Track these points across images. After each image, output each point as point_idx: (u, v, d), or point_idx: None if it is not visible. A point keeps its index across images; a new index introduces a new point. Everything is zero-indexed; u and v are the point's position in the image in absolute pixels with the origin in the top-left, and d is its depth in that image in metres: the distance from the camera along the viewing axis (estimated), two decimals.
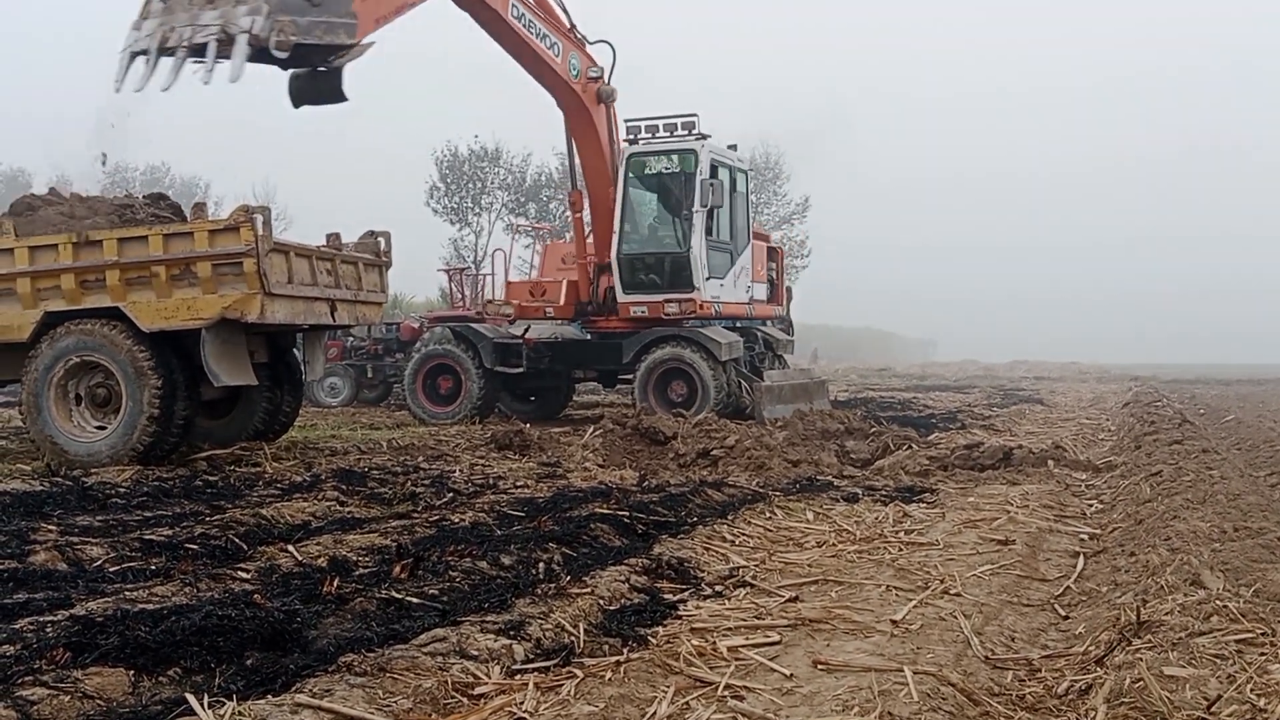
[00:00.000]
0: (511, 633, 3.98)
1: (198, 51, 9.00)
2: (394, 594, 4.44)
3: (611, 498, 7.28)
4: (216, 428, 10.61)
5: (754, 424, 11.95)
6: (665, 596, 4.81)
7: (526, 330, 15.99)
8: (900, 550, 6.00)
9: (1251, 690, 3.01)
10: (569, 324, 15.79)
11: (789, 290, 16.42)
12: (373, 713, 3.15)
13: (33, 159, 58.38)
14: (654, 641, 4.08)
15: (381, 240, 11.06)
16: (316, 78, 10.13)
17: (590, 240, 15.35)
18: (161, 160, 57.98)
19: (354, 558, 5.31)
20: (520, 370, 15.65)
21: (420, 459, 10.03)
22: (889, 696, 3.43)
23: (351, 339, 20.54)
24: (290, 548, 5.47)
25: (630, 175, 14.78)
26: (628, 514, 6.46)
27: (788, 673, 3.75)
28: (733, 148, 15.73)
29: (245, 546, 5.63)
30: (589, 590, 4.65)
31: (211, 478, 8.52)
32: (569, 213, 16.18)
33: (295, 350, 11.17)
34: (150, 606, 4.13)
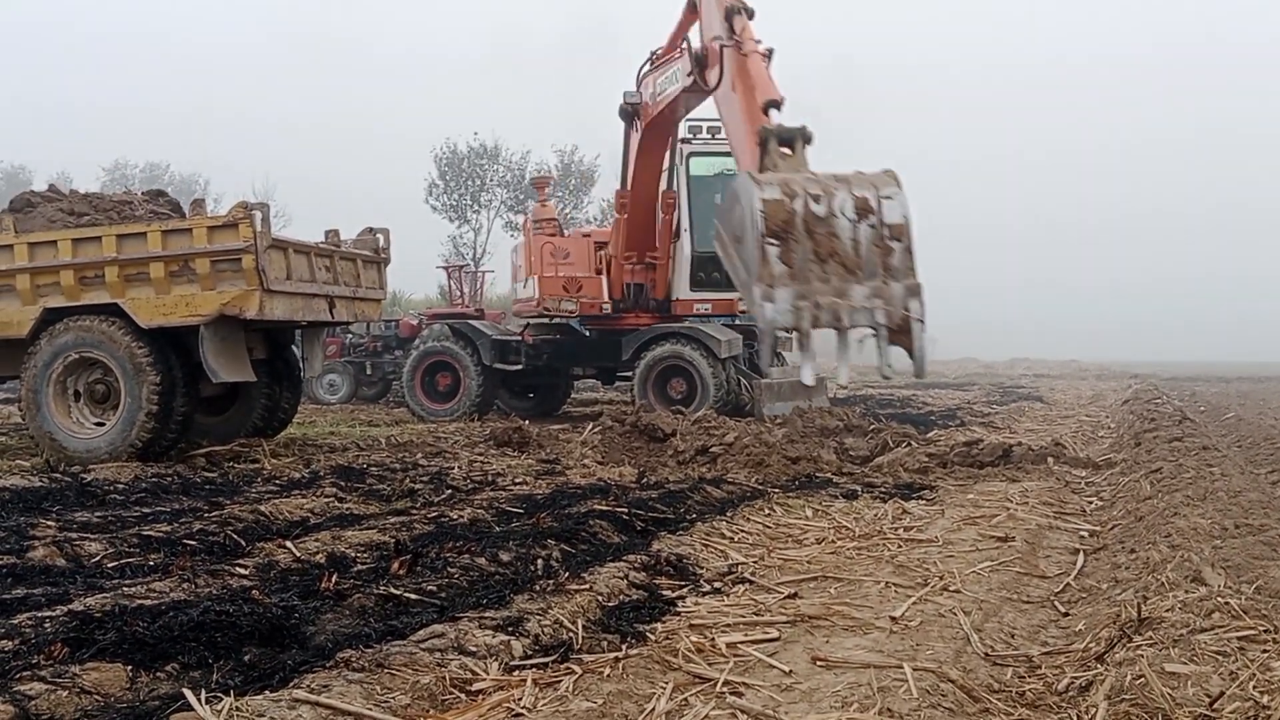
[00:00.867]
0: (510, 629, 3.96)
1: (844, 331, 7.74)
2: (392, 590, 4.43)
3: (610, 494, 7.28)
4: (215, 424, 10.61)
5: (753, 421, 11.93)
6: (664, 593, 4.80)
7: (526, 327, 16.01)
8: (899, 547, 6.00)
9: (1254, 687, 3.00)
10: (571, 321, 15.77)
11: None
12: (370, 708, 3.14)
13: (34, 156, 58.39)
14: (653, 638, 4.07)
15: (380, 237, 11.06)
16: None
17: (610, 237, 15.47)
18: (161, 157, 58.11)
19: (352, 554, 5.30)
20: (519, 367, 15.65)
21: (419, 456, 10.02)
22: (888, 693, 3.42)
23: (350, 336, 20.55)
24: (289, 544, 5.46)
25: (691, 175, 14.87)
26: (626, 511, 6.45)
27: (787, 669, 3.75)
28: None
29: (244, 543, 5.62)
30: (587, 587, 4.64)
31: (210, 474, 8.51)
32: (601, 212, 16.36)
33: (294, 347, 11.18)
34: (148, 602, 4.12)
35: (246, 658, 3.60)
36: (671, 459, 10.24)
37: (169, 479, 7.95)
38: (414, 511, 6.76)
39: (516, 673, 3.61)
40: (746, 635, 4.16)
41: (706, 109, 13.35)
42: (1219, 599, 3.93)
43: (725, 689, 3.51)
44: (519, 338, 15.78)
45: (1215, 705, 2.92)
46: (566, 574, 4.84)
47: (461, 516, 6.38)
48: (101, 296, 9.12)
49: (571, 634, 4.04)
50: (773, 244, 7.48)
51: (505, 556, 5.15)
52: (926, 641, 4.12)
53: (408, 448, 10.92)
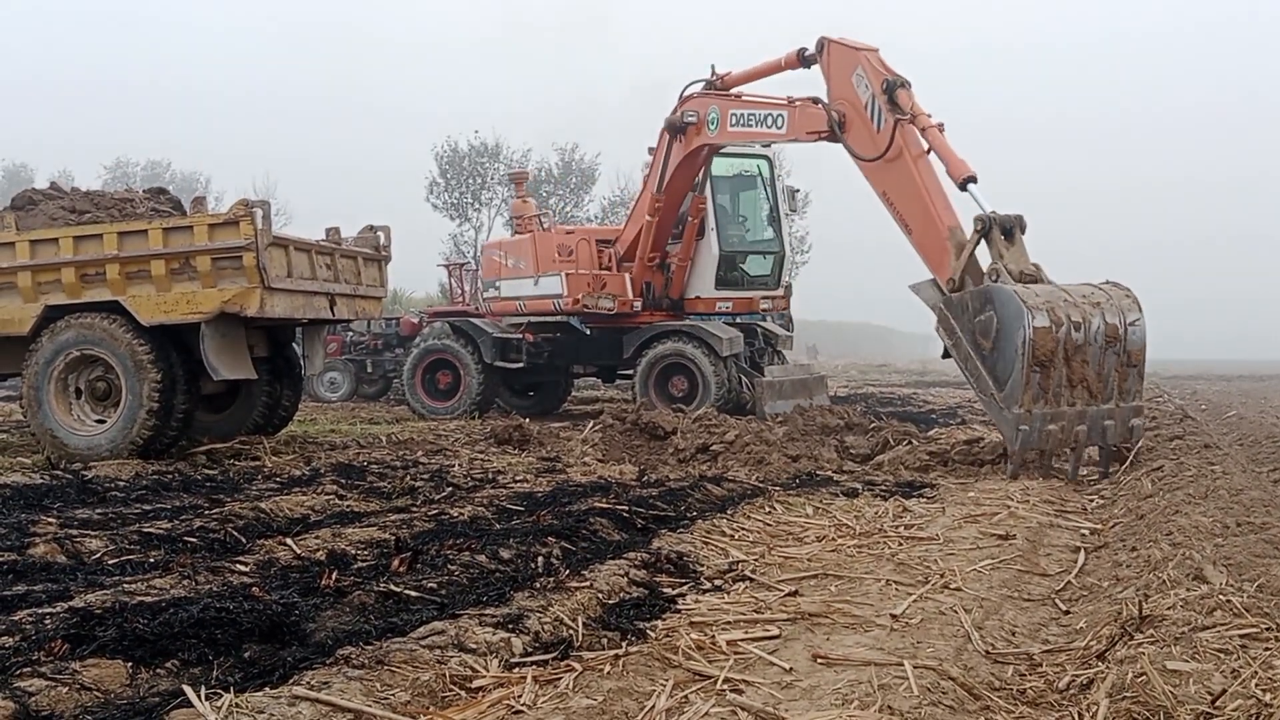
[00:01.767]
0: (510, 626, 3.96)
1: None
2: (392, 587, 4.42)
3: (611, 492, 7.28)
4: (216, 422, 10.60)
5: (754, 419, 11.93)
6: (664, 590, 4.80)
7: (527, 326, 15.99)
8: (900, 545, 5.99)
9: (1256, 685, 2.99)
10: (574, 319, 15.76)
11: (788, 286, 16.47)
12: (370, 705, 3.14)
13: (35, 154, 58.42)
14: (653, 635, 4.07)
15: (381, 235, 11.05)
16: None
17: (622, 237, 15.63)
18: (162, 155, 58.11)
19: (352, 551, 5.30)
20: (520, 365, 15.65)
21: (419, 454, 10.01)
22: (889, 690, 3.42)
23: (351, 334, 20.54)
24: (289, 541, 5.45)
25: (714, 176, 15.06)
26: (627, 508, 6.45)
27: (787, 666, 3.74)
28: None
29: (244, 540, 5.62)
30: (588, 584, 4.64)
31: (211, 471, 8.52)
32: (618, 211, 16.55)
33: (295, 345, 11.17)
34: (149, 599, 4.12)
35: (246, 654, 3.60)
36: (672, 457, 10.24)
37: (170, 476, 7.95)
38: (414, 509, 6.75)
39: (517, 670, 3.60)
40: (747, 633, 4.16)
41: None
42: (1220, 597, 3.92)
43: (725, 686, 3.51)
44: (520, 336, 15.78)
45: (1217, 703, 2.91)
46: (567, 571, 4.83)
47: (462, 514, 6.38)
48: (103, 294, 9.12)
49: (572, 631, 4.04)
50: (1036, 371, 8.17)
51: (506, 554, 5.14)
52: (927, 639, 4.12)
53: (408, 445, 10.91)
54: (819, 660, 3.81)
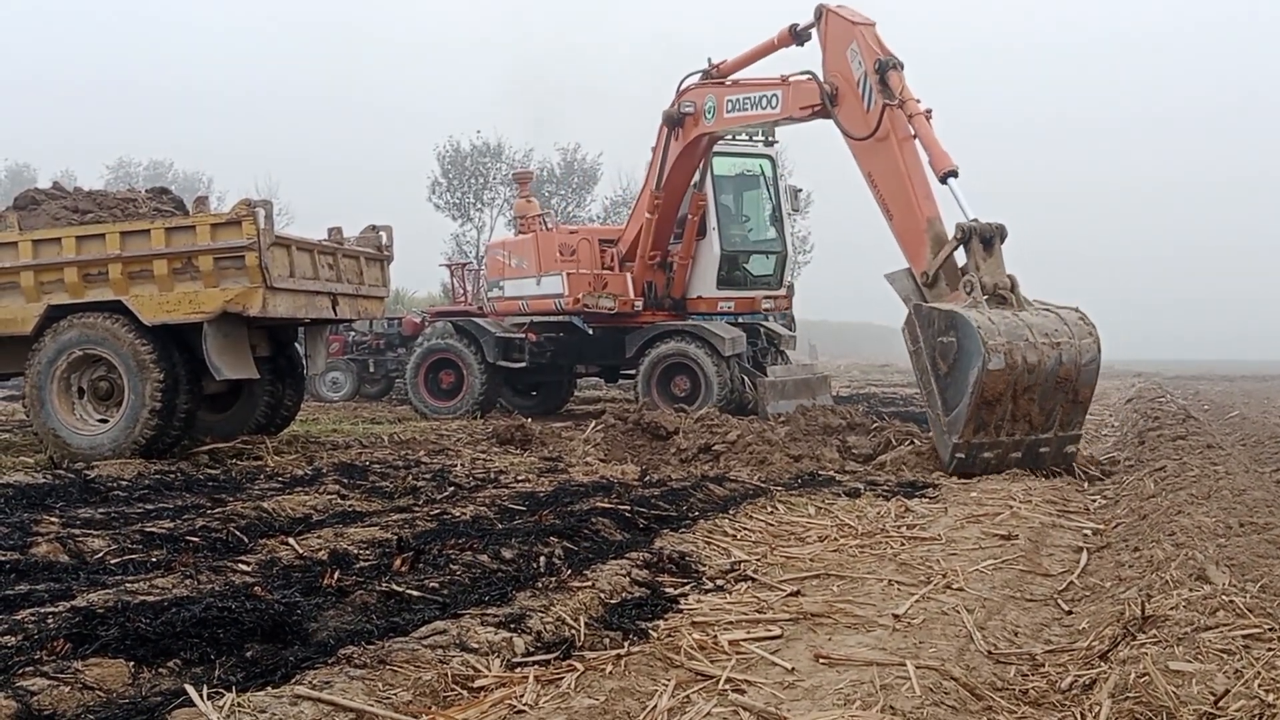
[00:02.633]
0: (512, 626, 3.96)
1: None
2: (394, 587, 4.42)
3: (613, 492, 7.27)
4: (218, 421, 10.61)
5: (756, 419, 11.92)
6: (666, 590, 4.79)
7: (529, 325, 15.99)
8: (902, 545, 5.98)
9: (1259, 685, 2.98)
10: (576, 318, 15.77)
11: (790, 286, 16.47)
12: (372, 705, 3.14)
13: (38, 153, 58.51)
14: (655, 635, 4.07)
15: (383, 235, 11.04)
16: None
17: (627, 237, 15.58)
18: (165, 155, 58.17)
19: (355, 551, 5.30)
20: (522, 365, 15.65)
21: (421, 453, 10.01)
22: (891, 690, 3.41)
23: (353, 334, 20.55)
24: (291, 541, 5.45)
25: (715, 175, 15.03)
26: (629, 508, 6.44)
27: (789, 666, 3.74)
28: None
29: (246, 539, 5.62)
30: (590, 584, 4.64)
31: (213, 471, 8.52)
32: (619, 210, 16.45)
33: (297, 344, 11.17)
34: (151, 598, 4.12)
35: (248, 654, 3.60)
36: (674, 457, 10.23)
37: (172, 476, 7.95)
38: (416, 509, 6.75)
39: (518, 669, 3.60)
40: (749, 633, 4.15)
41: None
42: (1223, 597, 3.92)
43: (727, 686, 3.51)
44: (522, 336, 15.77)
45: (1220, 703, 2.91)
46: (569, 571, 4.83)
47: (464, 514, 6.37)
48: (105, 294, 9.12)
49: (574, 631, 4.04)
50: (983, 407, 8.41)
51: (507, 554, 5.14)
52: (929, 639, 4.11)
53: (410, 445, 10.92)
54: (821, 660, 3.81)
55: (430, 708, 3.24)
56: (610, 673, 3.59)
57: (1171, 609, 3.88)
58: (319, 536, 5.64)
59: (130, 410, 9.02)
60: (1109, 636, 3.88)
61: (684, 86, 13.73)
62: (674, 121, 13.84)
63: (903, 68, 10.15)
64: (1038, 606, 4.87)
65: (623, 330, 15.28)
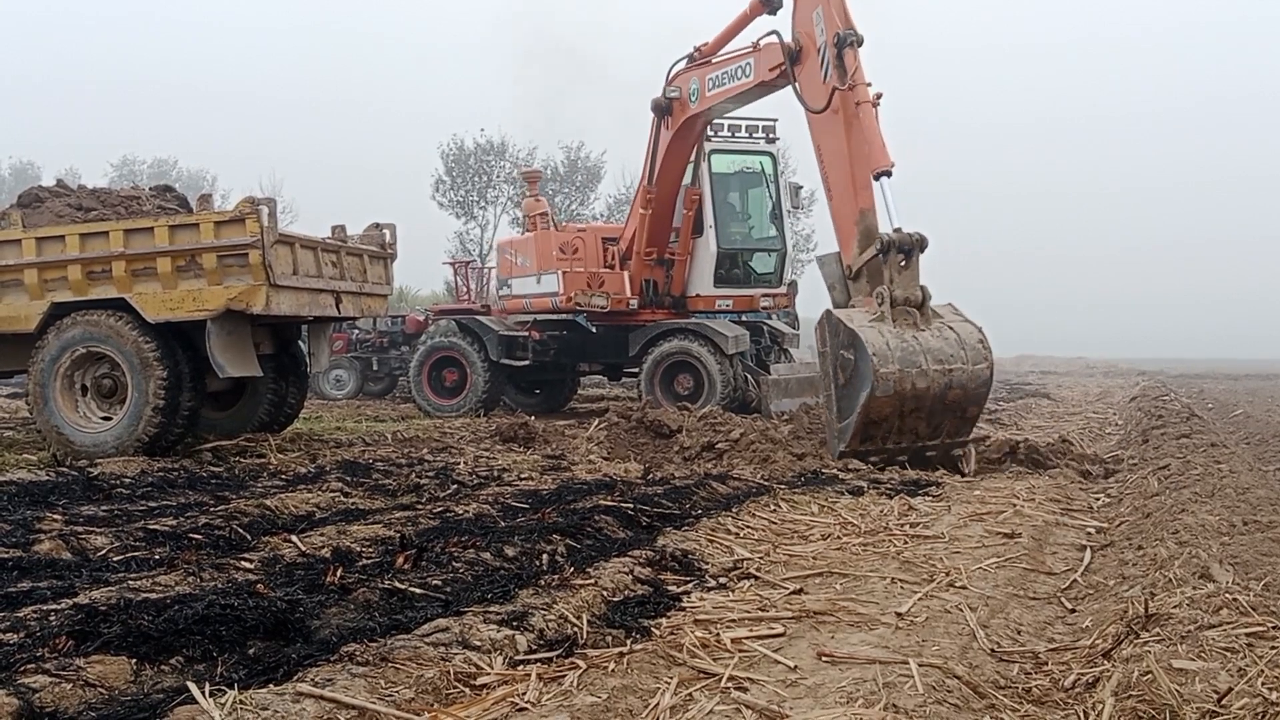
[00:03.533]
0: (514, 623, 3.96)
1: None
2: (397, 584, 4.42)
3: (616, 490, 7.27)
4: (222, 419, 10.63)
5: (759, 417, 11.91)
6: (669, 588, 4.79)
7: (533, 323, 15.99)
8: (905, 543, 5.98)
9: (1262, 683, 2.97)
10: (579, 316, 15.76)
11: (793, 284, 16.44)
12: (374, 702, 3.13)
13: (42, 151, 58.61)
14: (657, 633, 4.06)
15: (386, 232, 11.05)
16: None
17: (629, 234, 15.51)
18: (169, 153, 58.26)
19: (357, 548, 5.30)
20: (525, 363, 15.65)
21: (425, 451, 10.02)
22: (894, 689, 3.41)
23: (357, 331, 20.56)
24: (294, 538, 5.46)
25: (714, 173, 14.94)
26: (632, 506, 6.44)
27: (792, 664, 3.73)
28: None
29: (249, 537, 5.62)
30: (592, 582, 4.64)
31: (216, 469, 8.53)
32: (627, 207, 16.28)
33: (300, 342, 11.18)
34: (153, 596, 4.12)
35: (251, 651, 3.60)
36: (677, 455, 10.23)
37: (175, 473, 7.96)
38: (419, 506, 6.76)
39: (521, 667, 3.60)
40: (751, 631, 4.15)
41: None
42: (1227, 595, 3.91)
43: (730, 684, 3.50)
44: (526, 334, 15.78)
45: (1223, 701, 2.90)
46: (571, 569, 4.83)
47: (467, 511, 6.38)
48: (109, 291, 9.13)
49: (576, 629, 4.04)
50: (870, 425, 8.84)
51: (510, 551, 5.14)
52: (932, 637, 4.11)
53: (413, 443, 10.92)
54: (824, 658, 3.80)
55: (432, 705, 3.24)
56: (613, 670, 3.58)
57: (1175, 607, 3.87)
58: (322, 534, 5.64)
59: (133, 408, 9.03)
60: (1112, 635, 3.87)
61: (672, 74, 13.70)
62: (663, 110, 13.81)
63: (861, 43, 9.99)
64: (1041, 604, 4.86)
65: (626, 328, 15.27)
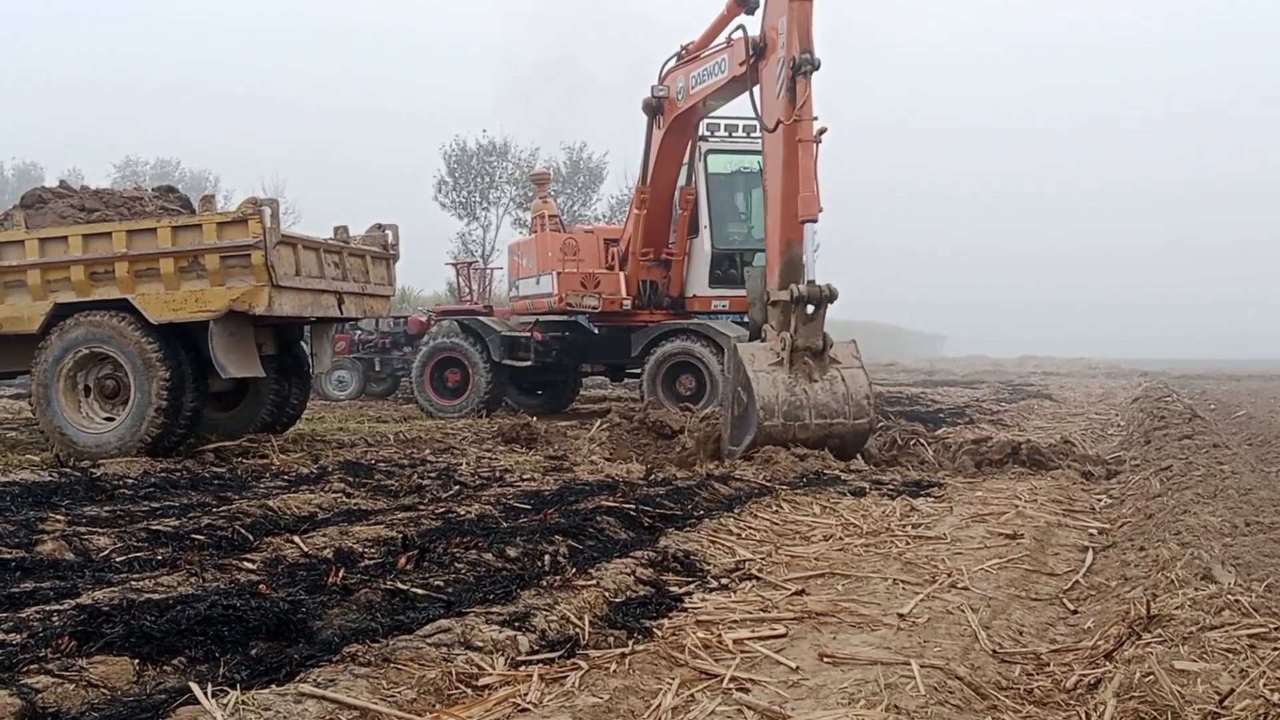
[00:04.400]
0: (516, 624, 3.96)
1: None
2: (399, 585, 4.43)
3: (618, 491, 7.27)
4: (224, 420, 10.64)
5: None
6: (671, 589, 4.79)
7: (535, 324, 16.01)
8: (907, 544, 5.97)
9: (1264, 685, 2.97)
10: (580, 317, 15.78)
11: None
12: (376, 703, 3.14)
13: (45, 152, 58.68)
14: (659, 634, 4.07)
15: (389, 233, 11.06)
16: None
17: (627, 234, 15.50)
18: (171, 154, 58.35)
19: (360, 549, 5.30)
20: (528, 364, 15.66)
21: (427, 452, 10.03)
22: (895, 690, 3.41)
23: (359, 332, 20.58)
24: (296, 539, 5.46)
25: (710, 173, 14.90)
26: (634, 507, 6.44)
27: (793, 665, 3.73)
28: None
29: (251, 537, 5.63)
30: (594, 582, 4.64)
31: (219, 469, 8.54)
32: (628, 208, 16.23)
33: (303, 343, 11.20)
34: (156, 596, 4.13)
35: (253, 652, 3.60)
36: (679, 455, 10.21)
37: (178, 474, 7.97)
38: (421, 507, 6.76)
39: (523, 668, 3.60)
40: (753, 631, 4.15)
41: (728, 108, 13.50)
42: (1229, 596, 3.90)
43: (732, 685, 3.50)
44: (528, 334, 15.79)
45: (1225, 703, 2.90)
46: (573, 570, 4.83)
47: (469, 512, 6.38)
48: (111, 292, 9.15)
49: (578, 629, 4.04)
50: (756, 455, 9.20)
51: (512, 552, 5.14)
52: (934, 638, 4.11)
53: (416, 444, 10.93)
54: (825, 659, 3.80)
55: (434, 706, 3.24)
56: (614, 671, 3.59)
57: (1177, 608, 3.87)
58: (324, 535, 5.65)
59: (136, 408, 9.04)
60: (1114, 636, 3.86)
61: (662, 73, 13.66)
62: (653, 109, 13.81)
63: (816, 69, 9.83)
64: (1043, 606, 4.85)
65: (628, 329, 15.27)
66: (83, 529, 5.61)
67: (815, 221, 9.82)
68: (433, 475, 8.23)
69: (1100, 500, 7.90)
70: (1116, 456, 10.73)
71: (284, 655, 3.54)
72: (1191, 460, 8.52)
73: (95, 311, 9.19)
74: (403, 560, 4.90)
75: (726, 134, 14.92)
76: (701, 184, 14.82)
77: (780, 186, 10.00)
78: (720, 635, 4.04)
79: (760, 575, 5.16)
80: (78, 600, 4.07)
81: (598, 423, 11.62)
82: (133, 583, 4.45)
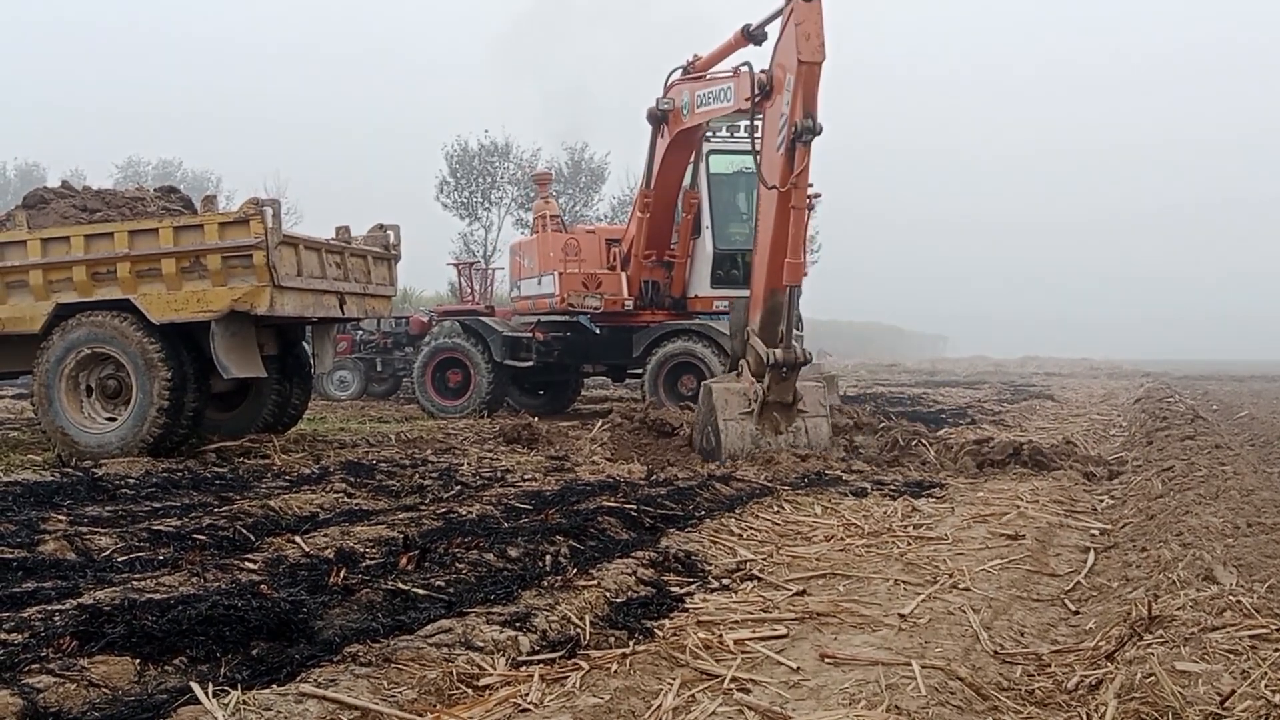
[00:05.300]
0: (517, 624, 3.96)
1: None
2: (400, 585, 4.43)
3: (619, 491, 7.27)
4: (226, 420, 10.64)
5: None
6: (672, 589, 4.79)
7: (537, 324, 16.01)
8: (909, 544, 5.97)
9: (1265, 686, 2.97)
10: (582, 318, 15.77)
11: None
12: (377, 703, 3.14)
13: (47, 152, 58.75)
14: (660, 634, 4.07)
15: (390, 233, 11.06)
16: None
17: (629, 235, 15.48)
18: (174, 154, 58.39)
19: (361, 549, 5.30)
20: (529, 364, 15.66)
21: (428, 452, 10.03)
22: (896, 690, 3.41)
23: (361, 332, 20.58)
24: (297, 539, 5.47)
25: (711, 173, 14.88)
26: (635, 507, 6.44)
27: (794, 666, 3.73)
28: None
29: (253, 537, 5.63)
30: (595, 583, 4.64)
31: (220, 469, 8.54)
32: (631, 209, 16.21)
33: (304, 343, 11.20)
34: (157, 596, 4.13)
35: (254, 652, 3.61)
36: (680, 456, 10.21)
37: (179, 474, 7.97)
38: (423, 507, 6.76)
39: (524, 668, 3.60)
40: (754, 632, 4.15)
41: None
42: (1231, 597, 3.90)
43: (733, 685, 3.51)
44: (530, 334, 15.79)
45: (1226, 704, 2.90)
46: (575, 570, 4.83)
47: (470, 512, 6.38)
48: (113, 292, 9.15)
49: (579, 630, 4.04)
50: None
51: (513, 552, 5.15)
52: (935, 639, 4.11)
53: (417, 444, 10.93)
54: (826, 660, 3.80)
55: (435, 706, 3.25)
56: (615, 671, 3.59)
57: (1178, 609, 3.87)
58: (325, 535, 5.65)
59: (138, 408, 9.05)
60: (1115, 637, 3.86)
61: (668, 83, 13.71)
62: (658, 119, 13.82)
63: (817, 136, 9.69)
64: (1044, 606, 4.85)
65: (630, 329, 15.27)
66: (84, 529, 5.61)
67: (799, 287, 10.09)
68: (434, 475, 8.23)
69: (1102, 501, 7.89)
70: (1118, 457, 10.72)
71: (285, 655, 3.55)
72: (1193, 461, 8.51)
73: (97, 312, 9.19)
74: (404, 560, 4.90)
75: (729, 134, 14.92)
76: (703, 184, 14.81)
77: (770, 237, 10.06)
78: (721, 636, 4.04)
79: (761, 576, 5.16)
80: (79, 600, 4.07)
81: (599, 423, 11.62)
82: (134, 583, 4.45)
